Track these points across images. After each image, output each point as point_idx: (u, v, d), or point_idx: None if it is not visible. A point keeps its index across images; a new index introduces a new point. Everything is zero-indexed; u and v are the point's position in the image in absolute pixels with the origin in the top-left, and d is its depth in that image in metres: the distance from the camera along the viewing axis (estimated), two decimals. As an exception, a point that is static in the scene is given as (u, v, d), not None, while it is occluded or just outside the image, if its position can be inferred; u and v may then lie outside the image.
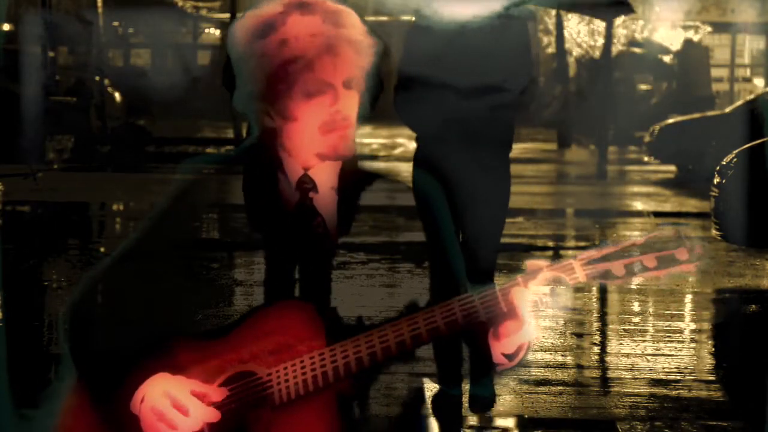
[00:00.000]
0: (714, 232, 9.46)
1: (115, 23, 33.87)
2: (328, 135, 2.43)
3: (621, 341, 7.38)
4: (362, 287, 2.45)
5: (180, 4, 33.72)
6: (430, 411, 5.50)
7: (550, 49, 30.95)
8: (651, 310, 8.48)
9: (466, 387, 5.91)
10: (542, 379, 6.35)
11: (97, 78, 24.63)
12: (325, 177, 2.47)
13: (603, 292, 9.13)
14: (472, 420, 5.70)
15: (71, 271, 9.64)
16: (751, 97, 19.49)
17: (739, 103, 19.69)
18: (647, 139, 20.03)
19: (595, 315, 8.33)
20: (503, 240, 5.74)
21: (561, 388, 6.24)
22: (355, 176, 2.50)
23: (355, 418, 2.39)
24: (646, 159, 20.88)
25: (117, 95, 26.41)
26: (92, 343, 2.39)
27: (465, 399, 5.76)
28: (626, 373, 6.53)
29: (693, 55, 31.63)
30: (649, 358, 6.88)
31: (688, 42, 31.80)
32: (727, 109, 19.55)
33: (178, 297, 2.45)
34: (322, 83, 2.40)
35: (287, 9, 2.42)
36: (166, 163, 18.99)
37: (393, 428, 2.47)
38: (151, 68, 35.07)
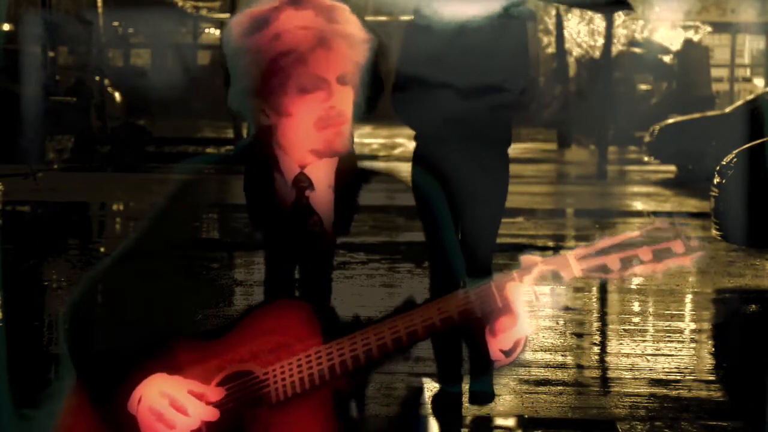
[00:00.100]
0: (714, 232, 9.46)
1: (115, 23, 33.86)
2: (323, 131, 2.42)
3: (621, 341, 7.38)
4: (362, 287, 2.45)
5: (180, 4, 33.70)
6: (430, 411, 5.50)
7: (550, 49, 30.95)
8: (651, 310, 8.48)
9: (465, 387, 5.92)
10: (542, 379, 6.35)
11: (97, 78, 24.62)
12: (322, 175, 2.47)
13: (603, 292, 9.13)
14: (473, 420, 5.70)
15: (71, 271, 9.64)
16: (751, 97, 19.49)
17: (739, 103, 19.69)
18: (647, 139, 20.03)
19: (595, 315, 8.33)
20: (503, 240, 5.74)
21: (561, 388, 6.24)
22: (352, 174, 2.50)
23: (351, 415, 2.39)
24: (646, 159, 20.88)
25: (117, 95, 26.40)
26: (91, 343, 2.39)
27: (465, 399, 5.76)
28: (626, 373, 6.53)
29: (693, 55, 31.62)
30: (649, 358, 6.88)
31: (688, 42, 31.79)
32: (727, 109, 19.55)
33: (178, 297, 2.45)
34: (315, 78, 2.40)
35: (281, 5, 2.42)
36: (166, 163, 18.99)
37: (393, 428, 2.47)
38: (151, 68, 35.07)
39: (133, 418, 2.33)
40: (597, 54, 28.20)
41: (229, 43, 2.45)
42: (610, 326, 7.97)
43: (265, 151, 2.47)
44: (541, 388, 6.18)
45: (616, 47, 27.50)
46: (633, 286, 9.21)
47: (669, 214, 2.34)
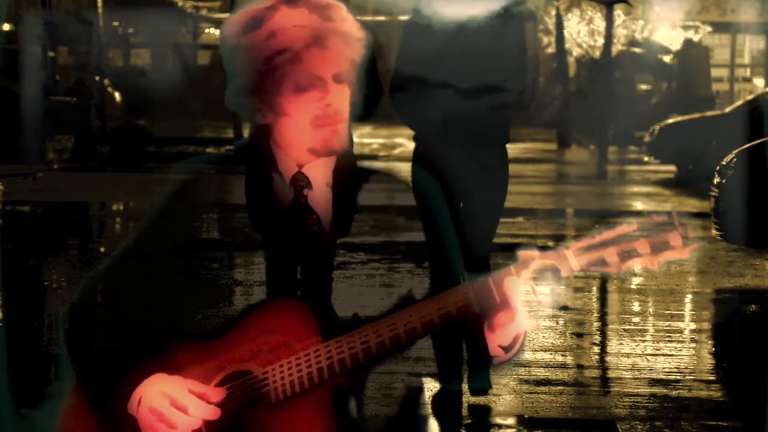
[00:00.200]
0: (714, 232, 9.46)
1: (115, 23, 33.86)
2: (319, 129, 2.42)
3: (621, 341, 7.38)
4: (362, 287, 2.45)
5: (180, 4, 33.71)
6: (430, 410, 5.50)
7: (550, 49, 30.94)
8: (651, 310, 8.47)
9: (465, 387, 5.92)
10: (542, 379, 6.35)
11: (97, 78, 24.64)
12: (320, 174, 2.47)
13: (603, 292, 9.13)
14: (473, 420, 5.70)
15: (71, 271, 9.64)
16: (751, 97, 19.48)
17: (739, 103, 19.69)
18: (647, 139, 20.03)
19: (595, 315, 8.33)
20: (503, 240, 5.74)
21: (561, 388, 6.24)
22: (351, 173, 2.50)
23: (351, 414, 2.39)
24: (646, 159, 20.88)
25: (117, 95, 26.43)
26: (90, 344, 2.39)
27: (465, 399, 5.76)
28: (626, 373, 6.53)
29: (693, 55, 31.63)
30: (649, 358, 6.88)
31: (688, 42, 31.79)
32: (727, 109, 19.55)
33: (178, 297, 2.45)
34: (311, 76, 2.40)
35: (276, 4, 2.42)
36: (166, 163, 18.98)
37: (393, 428, 2.47)
38: (151, 68, 35.07)
39: (134, 419, 2.32)
40: (597, 54, 28.20)
41: (225, 42, 2.45)
42: (610, 326, 7.97)
43: (263, 150, 2.47)
44: (541, 388, 6.18)
45: (616, 47, 27.50)
46: (633, 286, 9.21)
47: (668, 214, 2.34)
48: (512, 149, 5.67)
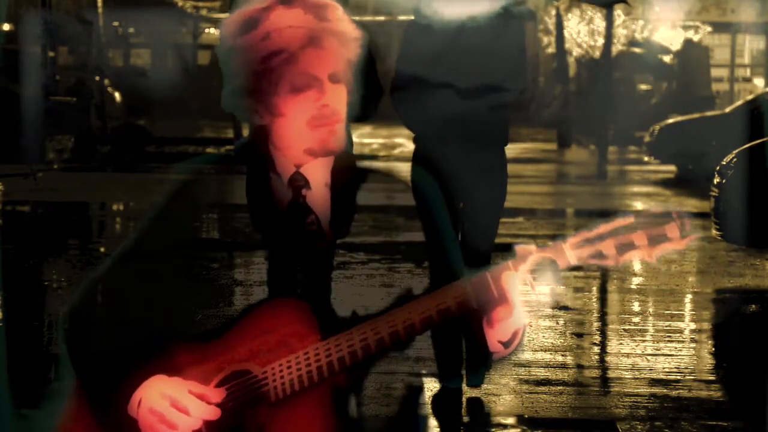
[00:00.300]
0: (714, 232, 9.46)
1: (115, 23, 33.87)
2: (316, 130, 2.42)
3: (621, 341, 7.38)
4: (362, 287, 2.45)
5: (180, 4, 33.71)
6: (430, 410, 5.50)
7: (550, 49, 30.94)
8: (651, 310, 8.47)
9: (465, 387, 5.92)
10: (542, 379, 6.35)
11: (97, 78, 24.64)
12: (318, 174, 2.47)
13: (603, 292, 9.13)
14: (473, 419, 5.70)
15: (71, 271, 9.64)
16: (751, 97, 19.48)
17: (739, 103, 19.69)
18: (647, 139, 20.03)
19: (595, 315, 8.33)
20: (503, 240, 5.74)
21: (561, 388, 6.24)
22: (349, 173, 2.50)
23: (350, 413, 2.39)
24: (646, 159, 20.88)
25: (117, 95, 26.43)
26: (90, 346, 2.39)
27: (465, 398, 5.76)
28: (626, 373, 6.53)
29: (693, 55, 31.63)
30: (649, 358, 6.88)
31: (688, 42, 31.79)
32: (727, 109, 19.55)
33: (178, 297, 2.45)
34: (307, 77, 2.40)
35: (271, 4, 2.42)
36: (166, 163, 18.98)
37: (393, 428, 2.47)
38: (151, 68, 35.08)
39: (134, 420, 2.32)
40: (597, 54, 28.20)
41: (222, 44, 2.45)
42: (610, 326, 7.97)
43: (261, 150, 2.47)
44: (541, 388, 6.18)
45: (616, 47, 27.50)
46: (633, 286, 9.21)
47: (665, 209, 2.34)
48: (512, 149, 5.67)
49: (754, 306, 8.77)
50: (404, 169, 2.65)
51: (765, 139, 9.74)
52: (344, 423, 2.36)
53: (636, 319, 8.15)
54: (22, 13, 25.59)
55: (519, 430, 5.58)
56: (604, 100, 20.43)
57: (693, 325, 7.96)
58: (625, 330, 7.69)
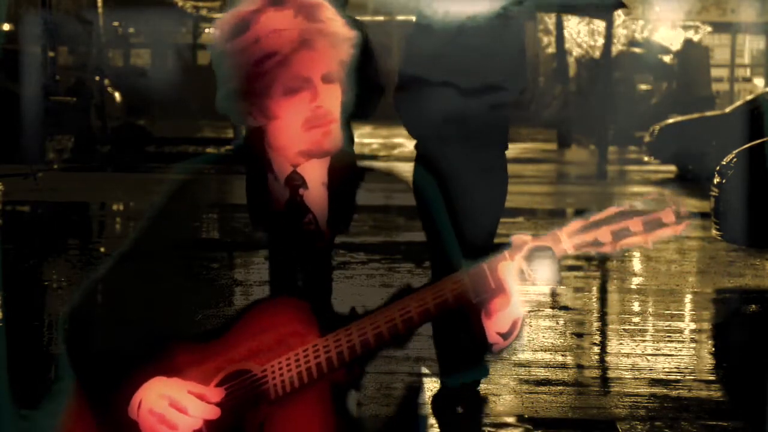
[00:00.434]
0: (714, 232, 9.46)
1: (115, 23, 33.87)
2: (311, 131, 2.42)
3: (621, 341, 7.38)
4: (362, 287, 2.45)
5: (180, 4, 33.71)
6: (430, 410, 5.50)
7: (550, 49, 30.95)
8: (651, 310, 8.47)
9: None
10: (542, 379, 6.35)
11: (97, 78, 24.64)
12: (315, 173, 2.47)
13: (603, 292, 9.13)
14: (472, 419, 5.69)
15: (71, 271, 9.64)
16: (751, 97, 19.48)
17: (739, 103, 19.69)
18: (647, 139, 20.03)
19: (595, 315, 8.33)
20: (504, 240, 5.74)
21: (561, 388, 6.24)
22: (347, 171, 2.50)
23: (349, 409, 2.39)
24: (646, 159, 20.88)
25: (117, 95, 26.42)
26: (90, 348, 2.39)
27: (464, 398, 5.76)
28: (626, 373, 6.53)
29: (693, 55, 31.63)
30: (649, 358, 6.88)
31: (688, 42, 31.80)
32: (727, 109, 19.55)
33: (178, 297, 2.45)
34: (299, 79, 2.40)
35: (262, 6, 2.41)
36: (166, 163, 18.97)
37: (393, 428, 2.47)
38: (151, 68, 35.07)
39: (134, 422, 2.32)
40: (597, 54, 28.21)
41: (214, 46, 2.45)
42: (610, 326, 7.97)
43: (258, 151, 2.47)
44: (541, 388, 6.18)
45: (616, 47, 27.51)
46: (633, 286, 9.22)
47: (660, 193, 2.34)
48: (512, 149, 5.67)
49: (754, 306, 8.77)
50: (404, 168, 2.65)
51: (765, 139, 9.74)
52: (344, 420, 2.36)
53: (636, 319, 8.16)
54: (22, 13, 25.59)
55: (519, 430, 5.58)
56: (604, 100, 20.44)
57: (693, 325, 7.96)
58: (625, 330, 7.69)
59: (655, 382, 6.36)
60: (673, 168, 19.31)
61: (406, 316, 2.30)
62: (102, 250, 10.91)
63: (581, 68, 29.80)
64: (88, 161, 19.80)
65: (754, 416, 5.83)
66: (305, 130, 2.42)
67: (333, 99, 2.43)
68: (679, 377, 6.45)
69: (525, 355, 6.77)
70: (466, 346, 2.51)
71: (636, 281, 9.33)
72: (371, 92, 5.59)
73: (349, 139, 5.45)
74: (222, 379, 2.34)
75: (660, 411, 5.85)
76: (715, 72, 33.73)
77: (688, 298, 8.90)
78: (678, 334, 7.58)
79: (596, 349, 7.24)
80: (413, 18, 5.68)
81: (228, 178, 2.53)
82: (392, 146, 23.74)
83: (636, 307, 8.61)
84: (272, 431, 2.32)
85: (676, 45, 31.72)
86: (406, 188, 2.55)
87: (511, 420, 5.70)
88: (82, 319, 2.42)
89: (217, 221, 2.54)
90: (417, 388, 2.52)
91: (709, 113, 20.58)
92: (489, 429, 5.58)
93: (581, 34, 29.51)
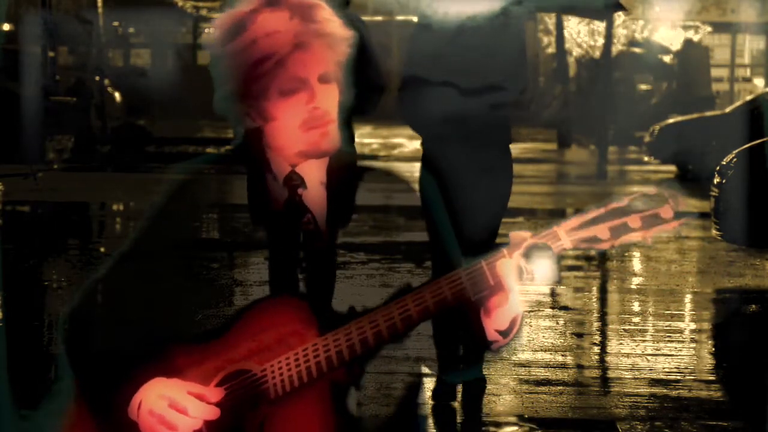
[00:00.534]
0: (714, 232, 9.46)
1: (115, 23, 33.87)
2: (309, 132, 2.42)
3: (621, 341, 7.38)
4: (362, 287, 2.45)
5: (180, 4, 33.72)
6: (430, 410, 5.50)
7: (550, 49, 30.95)
8: (651, 310, 8.48)
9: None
10: (542, 379, 6.35)
11: (97, 78, 24.65)
12: (314, 173, 2.47)
13: (603, 292, 9.13)
14: (472, 419, 5.69)
15: (71, 271, 9.64)
16: (751, 97, 19.49)
17: (739, 103, 19.69)
18: (647, 139, 20.03)
19: (595, 315, 8.33)
20: (504, 240, 5.74)
21: (561, 388, 6.24)
22: (346, 171, 2.49)
23: (350, 409, 2.39)
24: (646, 159, 20.89)
25: (117, 95, 26.43)
26: (90, 348, 2.39)
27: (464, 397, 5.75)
28: (626, 373, 6.53)
29: (693, 55, 31.63)
30: (649, 358, 6.88)
31: (688, 42, 31.80)
32: (727, 109, 19.55)
33: (178, 297, 2.45)
34: (296, 80, 2.39)
35: (257, 7, 2.41)
36: (166, 163, 18.95)
37: (393, 428, 2.47)
38: (151, 68, 35.07)
39: (135, 423, 2.32)
40: (597, 54, 28.21)
41: (211, 48, 2.45)
42: (610, 326, 7.97)
43: (256, 151, 2.47)
44: (541, 388, 6.18)
45: (616, 47, 27.51)
46: (633, 286, 9.22)
47: (658, 188, 2.34)
48: (512, 149, 5.68)
49: (754, 306, 8.77)
50: (404, 169, 2.65)
51: (765, 139, 9.74)
52: (344, 420, 2.36)
53: (636, 319, 8.16)
54: (22, 13, 25.60)
55: (519, 430, 5.58)
56: (604, 100, 20.43)
57: (693, 325, 7.96)
58: (625, 330, 7.69)
59: (655, 382, 6.36)
60: (673, 168, 19.32)
61: (405, 314, 2.30)
62: (102, 250, 10.91)
63: (581, 68, 29.81)
64: (88, 161, 19.80)
65: (754, 416, 5.83)
66: (303, 131, 2.41)
67: (330, 99, 2.43)
68: (679, 377, 6.45)
69: (525, 355, 6.77)
70: (466, 343, 2.51)
71: (636, 281, 9.33)
72: (371, 90, 5.59)
73: (350, 137, 5.45)
74: (222, 379, 2.34)
75: (660, 411, 5.85)
76: (715, 72, 33.72)
77: (688, 298, 8.90)
78: (678, 334, 7.58)
79: (596, 349, 7.24)
80: (413, 18, 5.69)
81: (228, 178, 2.53)
82: (392, 146, 23.74)
83: (636, 307, 8.61)
84: (272, 431, 2.32)
85: (676, 45, 31.73)
86: (406, 188, 2.55)
87: (511, 420, 5.70)
88: (82, 320, 2.42)
89: (217, 221, 2.54)
90: (417, 388, 2.52)
91: (709, 113, 20.59)
92: (489, 429, 5.58)
93: (581, 34, 29.51)
